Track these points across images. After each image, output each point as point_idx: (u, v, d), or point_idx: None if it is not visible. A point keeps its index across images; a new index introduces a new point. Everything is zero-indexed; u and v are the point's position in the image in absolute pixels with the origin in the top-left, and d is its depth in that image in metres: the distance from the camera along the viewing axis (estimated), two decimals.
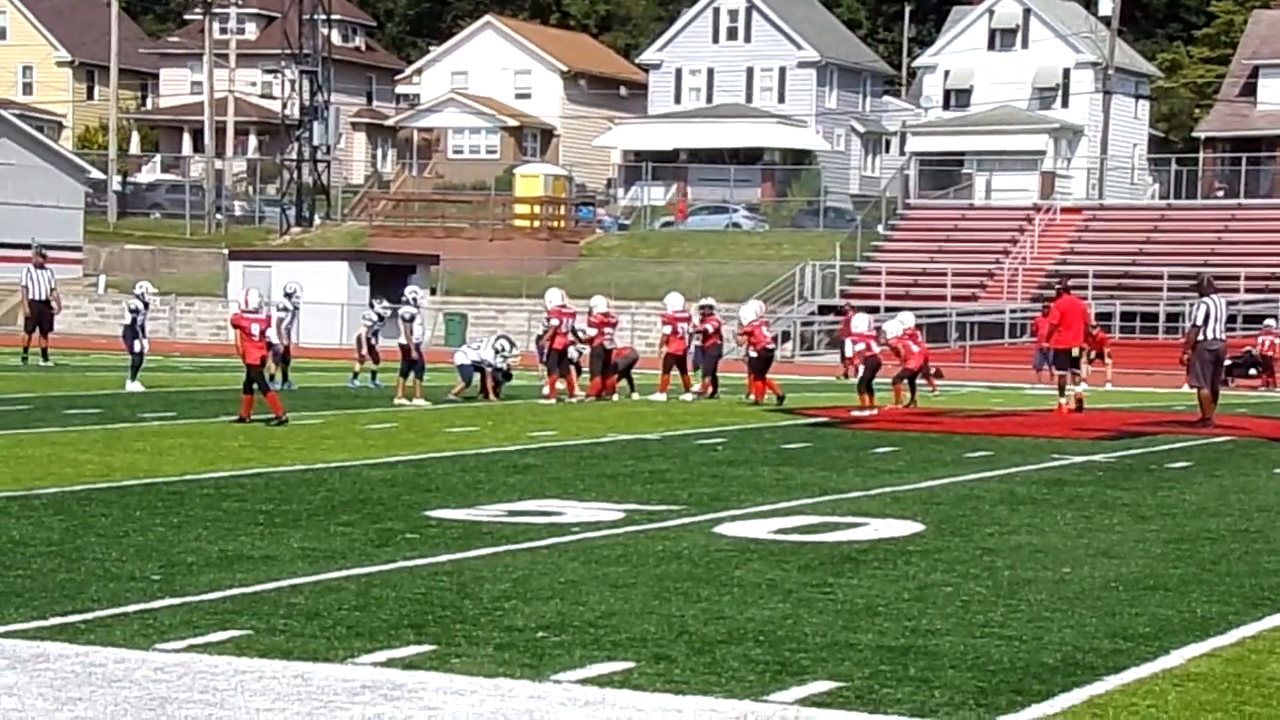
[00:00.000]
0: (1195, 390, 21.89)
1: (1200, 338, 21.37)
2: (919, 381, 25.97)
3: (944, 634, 8.00)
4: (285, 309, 25.92)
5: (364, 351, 27.06)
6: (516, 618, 8.13)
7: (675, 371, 25.89)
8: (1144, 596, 9.12)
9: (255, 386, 18.99)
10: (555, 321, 24.37)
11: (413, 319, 23.38)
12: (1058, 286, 26.10)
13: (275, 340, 23.62)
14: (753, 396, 24.71)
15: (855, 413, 22.51)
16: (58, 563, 9.39)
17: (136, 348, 24.66)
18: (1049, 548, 10.82)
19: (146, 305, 25.25)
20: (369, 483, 13.58)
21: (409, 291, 24.51)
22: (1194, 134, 68.49)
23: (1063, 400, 23.76)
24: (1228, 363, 27.17)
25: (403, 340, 23.25)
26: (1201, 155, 64.48)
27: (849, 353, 26.69)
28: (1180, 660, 7.59)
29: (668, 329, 26.07)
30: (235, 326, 19.54)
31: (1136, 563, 10.29)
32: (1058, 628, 8.22)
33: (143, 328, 24.94)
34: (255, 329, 19.11)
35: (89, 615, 7.98)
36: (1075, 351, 24.18)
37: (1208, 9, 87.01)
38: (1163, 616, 8.56)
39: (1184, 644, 7.91)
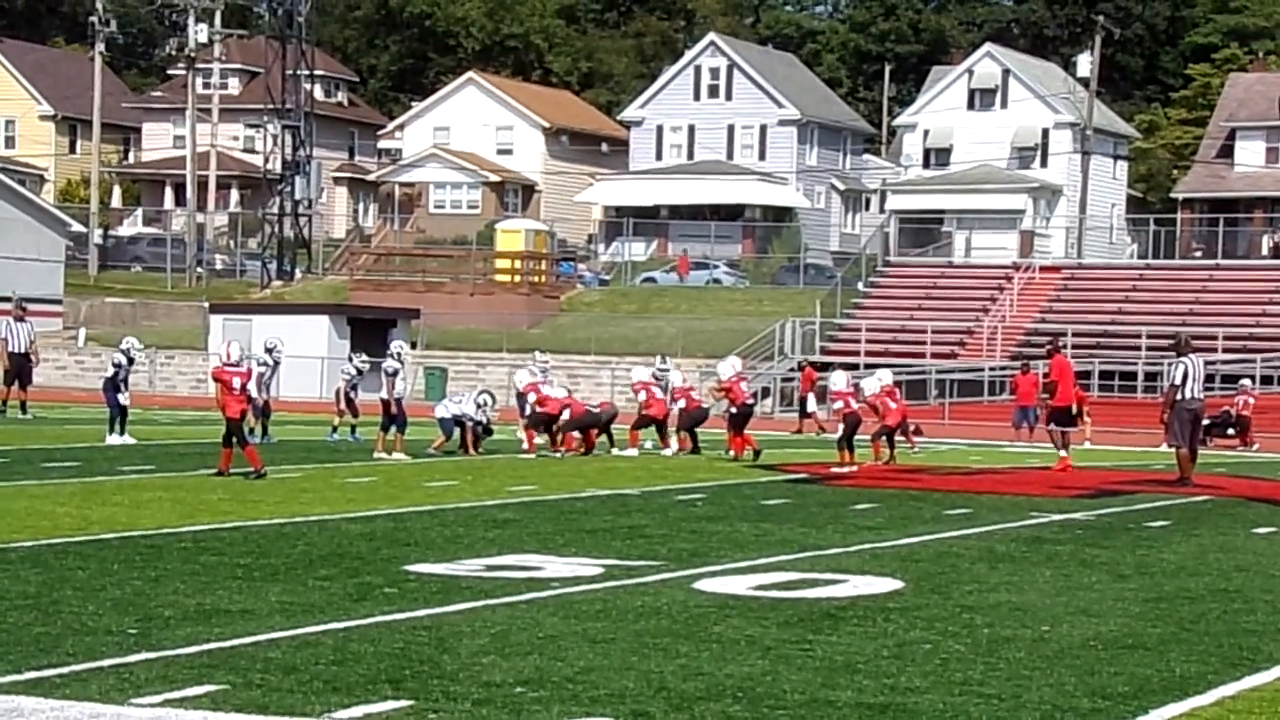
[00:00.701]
0: (1174, 449, 21.95)
1: (1179, 397, 21.45)
2: (898, 438, 25.99)
3: (923, 692, 7.99)
4: (265, 364, 25.91)
5: (343, 405, 27.04)
6: (495, 673, 8.10)
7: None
8: (1123, 655, 9.12)
9: (234, 440, 18.95)
10: (533, 396, 24.81)
11: (396, 373, 23.39)
12: (1049, 347, 26.47)
13: (255, 394, 23.59)
14: (732, 452, 24.72)
15: (835, 469, 22.53)
16: (33, 616, 9.34)
17: (120, 401, 24.55)
18: (1028, 606, 10.82)
19: (131, 360, 25.07)
20: (347, 537, 13.54)
21: (394, 346, 24.53)
22: (1172, 195, 68.93)
23: (1064, 454, 24.03)
24: (1206, 422, 27.30)
25: (384, 394, 23.24)
26: (1179, 216, 64.87)
27: (810, 408, 26.82)
28: None
29: (642, 395, 26.20)
30: (216, 380, 19.54)
31: (1115, 621, 10.29)
32: (1037, 686, 8.21)
33: (125, 382, 24.81)
34: (236, 382, 19.11)
35: (64, 669, 7.93)
36: (1074, 409, 24.71)
37: (1185, 72, 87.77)
38: (1142, 676, 8.56)
39: (1163, 703, 7.90)
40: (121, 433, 24.50)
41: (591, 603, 10.35)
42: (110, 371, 24.88)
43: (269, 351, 26.24)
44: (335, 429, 27.01)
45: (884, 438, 25.04)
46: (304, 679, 7.85)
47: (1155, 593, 11.64)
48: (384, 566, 11.76)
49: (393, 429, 22.94)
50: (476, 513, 15.84)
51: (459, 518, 15.32)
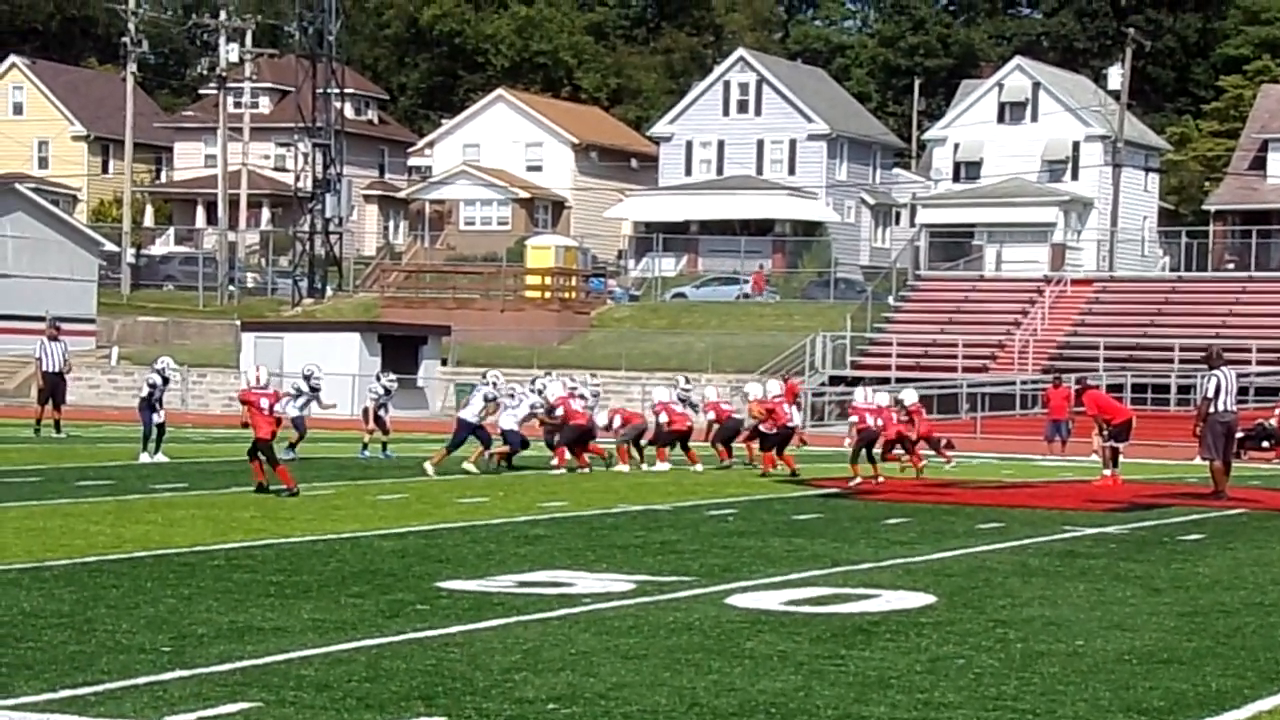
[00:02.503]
0: (1207, 463, 21.85)
1: (1211, 410, 21.36)
2: (926, 451, 26.03)
3: (957, 707, 7.96)
4: (302, 392, 25.63)
5: (371, 423, 27.09)
6: (527, 689, 8.10)
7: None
8: (1158, 670, 9.07)
9: (267, 459, 19.02)
10: (560, 410, 24.88)
11: (494, 400, 23.81)
12: (1079, 388, 27.38)
13: (296, 414, 23.92)
14: (762, 467, 24.74)
15: (853, 483, 22.55)
16: (68, 634, 9.38)
17: (155, 420, 24.57)
18: (1062, 620, 10.77)
19: (166, 380, 25.11)
20: (380, 553, 13.56)
21: (491, 375, 24.72)
22: (1204, 207, 68.67)
23: (1108, 471, 24.01)
24: (1240, 435, 27.22)
25: (480, 418, 23.59)
26: (1212, 228, 64.61)
27: (794, 421, 26.47)
28: None
29: (664, 416, 26.18)
30: (244, 403, 19.61)
31: (1150, 636, 10.24)
32: (1071, 701, 8.17)
33: (159, 401, 24.85)
34: (264, 403, 19.20)
35: (99, 687, 7.96)
36: (1134, 422, 25.11)
37: (1216, 84, 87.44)
38: (1177, 690, 8.51)
39: (1198, 718, 7.86)
40: (156, 451, 24.54)
41: (623, 619, 10.34)
42: (145, 391, 24.92)
43: (306, 379, 25.94)
44: (365, 446, 27.05)
45: (900, 446, 25.07)
46: (337, 696, 7.86)
47: (1190, 607, 11.58)
48: (416, 583, 11.77)
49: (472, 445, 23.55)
50: (508, 529, 15.85)
51: (490, 534, 15.33)
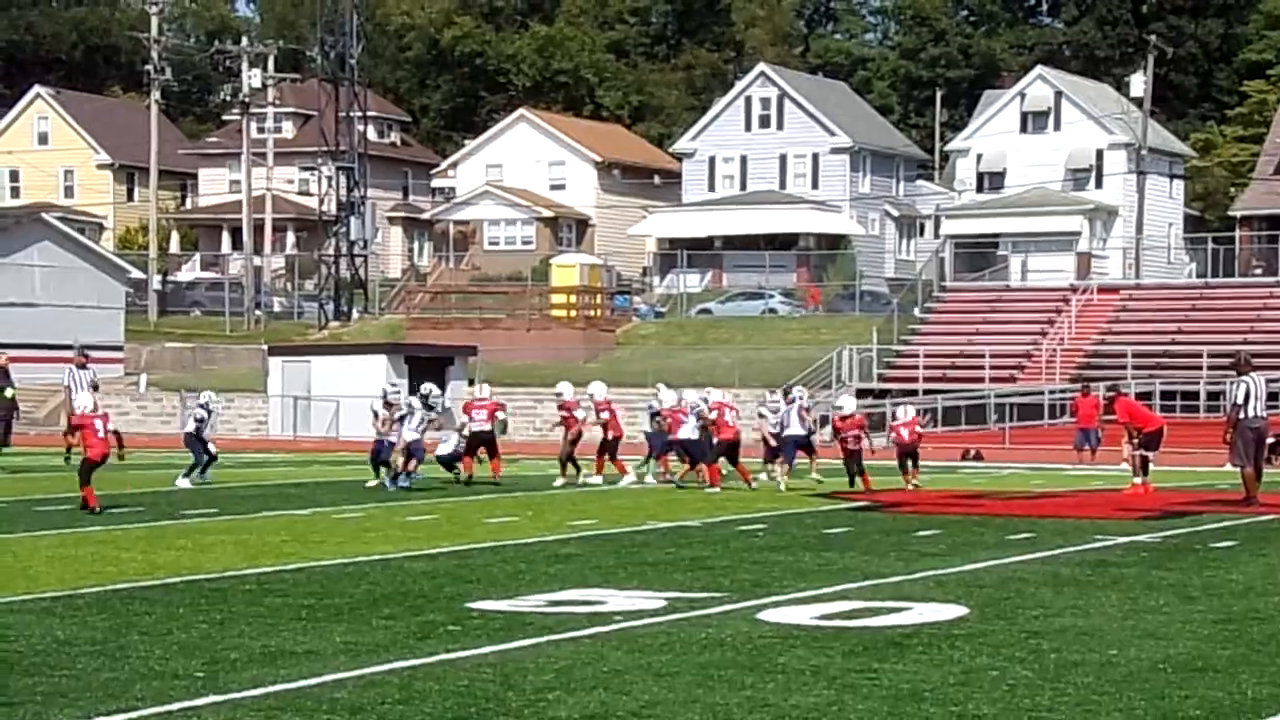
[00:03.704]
0: (1238, 469, 21.75)
1: (1241, 416, 21.27)
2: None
3: (991, 719, 7.93)
4: (415, 409, 24.97)
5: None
6: (560, 709, 8.10)
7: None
8: (1193, 678, 9.02)
9: (81, 476, 19.66)
10: (605, 414, 25.25)
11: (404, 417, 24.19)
12: (1109, 395, 27.29)
13: (415, 436, 24.10)
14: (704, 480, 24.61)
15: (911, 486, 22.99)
16: (102, 662, 9.40)
17: (210, 451, 25.37)
18: (1094, 630, 10.73)
19: (210, 412, 25.98)
20: (410, 575, 13.57)
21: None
22: (1230, 212, 68.41)
23: (1138, 480, 23.88)
24: (1271, 440, 27.09)
25: (420, 433, 23.71)
26: (1238, 233, 64.35)
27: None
28: None
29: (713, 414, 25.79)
30: (78, 427, 20.17)
31: (1184, 644, 10.19)
32: (1106, 711, 8.14)
33: (205, 431, 25.57)
34: (98, 424, 19.76)
35: (134, 714, 7.98)
36: (1166, 431, 25.04)
37: (1240, 89, 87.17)
38: (1212, 699, 8.47)
39: None
40: (203, 474, 25.11)
41: (655, 636, 10.34)
42: (193, 427, 25.63)
43: (424, 399, 25.53)
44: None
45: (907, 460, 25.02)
46: (370, 719, 7.87)
47: (1224, 614, 11.52)
48: (447, 604, 11.78)
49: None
50: (538, 548, 15.85)
51: (520, 554, 15.33)
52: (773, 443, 25.56)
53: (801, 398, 26.48)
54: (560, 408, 26.23)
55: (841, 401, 26.51)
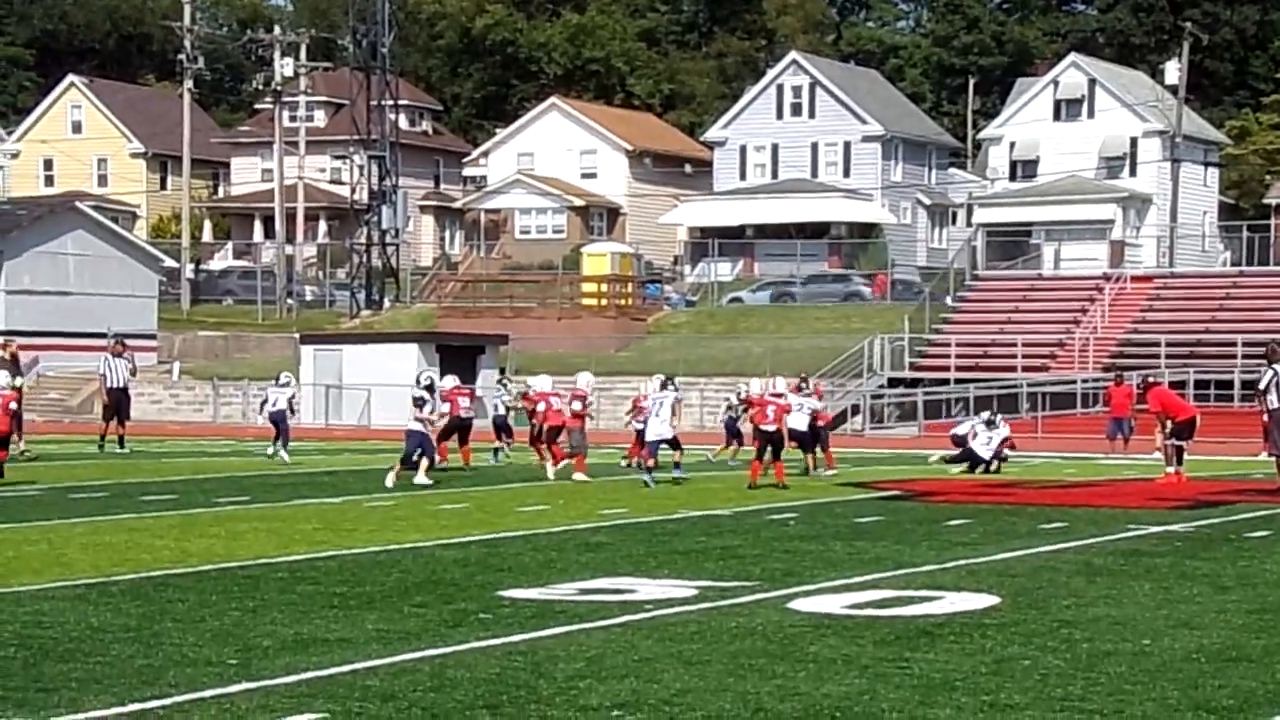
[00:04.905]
0: (1274, 458, 21.65)
1: (1272, 406, 21.19)
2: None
3: (1023, 708, 7.91)
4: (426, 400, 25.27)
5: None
6: (591, 697, 8.11)
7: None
8: (1226, 668, 8.99)
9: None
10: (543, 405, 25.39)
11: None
12: (1141, 384, 27.19)
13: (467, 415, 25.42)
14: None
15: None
16: (135, 649, 9.45)
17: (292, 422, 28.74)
18: (1127, 619, 10.69)
19: (293, 392, 29.65)
20: (442, 563, 13.60)
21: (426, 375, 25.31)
22: (1265, 201, 68.02)
23: (1171, 469, 23.79)
24: None
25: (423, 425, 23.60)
26: (1274, 221, 64.01)
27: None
28: None
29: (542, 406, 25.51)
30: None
31: (1218, 634, 10.15)
32: (1139, 701, 8.11)
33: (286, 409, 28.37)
34: (13, 406, 22.76)
35: (167, 701, 8.02)
36: (1199, 420, 24.95)
37: (1276, 76, 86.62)
38: (1246, 688, 8.43)
39: (1269, 716, 7.79)
40: (284, 448, 27.56)
41: (686, 624, 10.34)
42: (284, 404, 28.36)
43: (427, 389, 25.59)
44: (496, 451, 28.64)
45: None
46: (402, 706, 7.89)
47: (1258, 604, 11.47)
48: (478, 592, 11.81)
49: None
50: (568, 536, 15.87)
51: (551, 542, 15.35)
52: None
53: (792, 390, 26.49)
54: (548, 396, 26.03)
55: (755, 383, 26.61)
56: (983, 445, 26.57)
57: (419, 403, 23.43)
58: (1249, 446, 29.93)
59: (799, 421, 24.67)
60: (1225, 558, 14.31)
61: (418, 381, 24.87)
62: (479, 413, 28.67)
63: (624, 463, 26.62)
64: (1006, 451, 27.22)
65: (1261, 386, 21.34)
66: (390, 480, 22.22)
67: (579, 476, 23.49)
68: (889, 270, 64.97)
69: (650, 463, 22.75)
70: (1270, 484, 21.68)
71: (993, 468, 26.33)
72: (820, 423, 26.09)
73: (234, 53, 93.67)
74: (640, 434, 24.62)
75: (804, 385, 27.30)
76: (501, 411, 29.63)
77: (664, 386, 24.13)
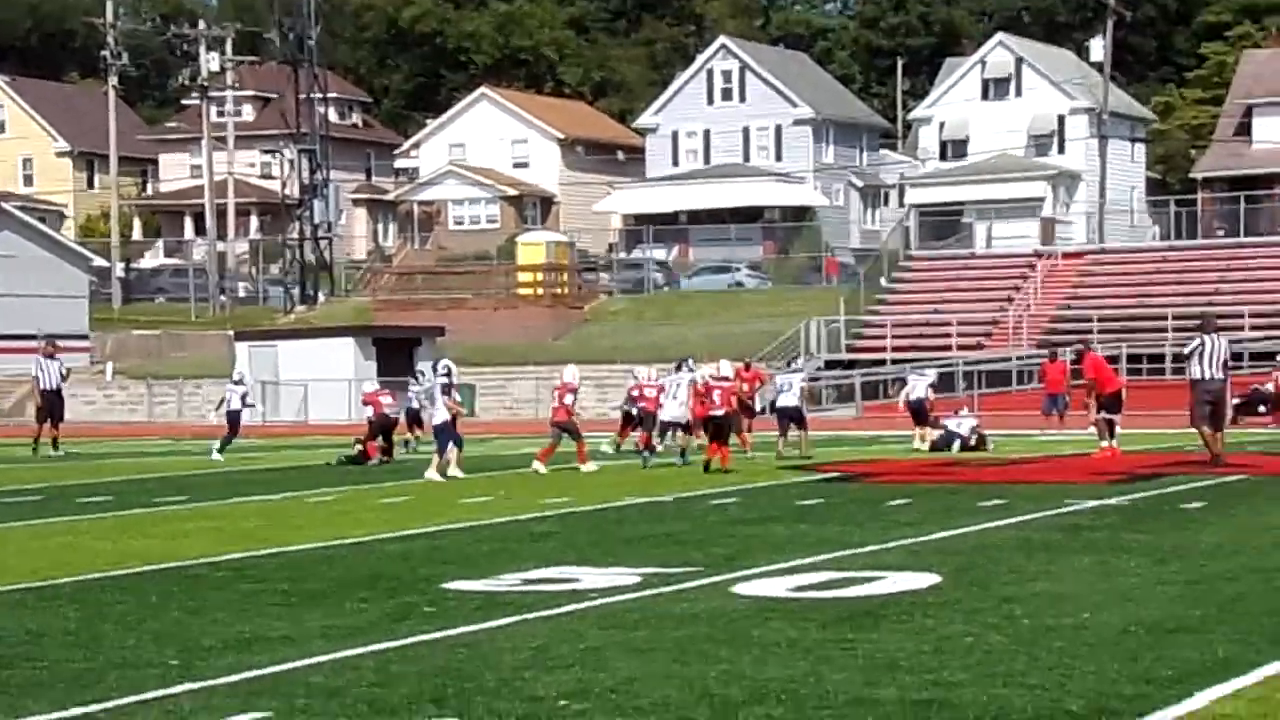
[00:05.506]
0: (1197, 430, 21.87)
1: (1195, 376, 21.40)
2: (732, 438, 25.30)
3: (966, 685, 7.97)
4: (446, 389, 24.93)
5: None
6: (538, 687, 8.11)
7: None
8: (1165, 639, 9.08)
9: None
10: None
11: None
12: (1076, 349, 27.26)
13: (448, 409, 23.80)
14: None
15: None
16: (76, 652, 9.37)
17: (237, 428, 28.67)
18: (1067, 594, 10.78)
19: (248, 389, 29.80)
20: (385, 557, 13.56)
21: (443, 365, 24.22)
22: (1191, 175, 68.70)
23: (1105, 444, 24.02)
24: (1236, 401, 27.30)
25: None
26: (1200, 195, 64.64)
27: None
28: (1204, 702, 7.56)
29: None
30: None
31: (1156, 606, 10.25)
32: (1080, 675, 8.18)
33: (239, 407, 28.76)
34: None
35: (109, 704, 7.96)
36: (1124, 394, 25.06)
37: (1199, 51, 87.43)
38: (1185, 659, 8.53)
39: (1208, 686, 7.87)
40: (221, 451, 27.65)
41: (631, 612, 10.36)
42: (237, 404, 28.64)
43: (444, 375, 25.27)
44: (407, 443, 28.59)
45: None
46: (347, 702, 7.87)
47: (1195, 575, 11.60)
48: (423, 585, 11.78)
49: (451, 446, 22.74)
50: (513, 527, 15.85)
51: (495, 533, 15.34)
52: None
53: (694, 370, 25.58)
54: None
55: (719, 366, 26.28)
56: (955, 425, 27.08)
57: (446, 389, 23.05)
58: (1181, 419, 30.23)
59: (789, 400, 24.87)
60: (1162, 530, 14.46)
61: (434, 369, 24.47)
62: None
63: (608, 448, 26.28)
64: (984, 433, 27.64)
65: (1186, 352, 21.56)
66: (437, 474, 21.87)
67: (539, 468, 23.09)
68: (824, 253, 65.21)
69: (655, 445, 23.52)
70: (1202, 456, 21.90)
71: (971, 441, 26.56)
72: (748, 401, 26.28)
73: (159, 48, 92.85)
74: (627, 415, 24.71)
75: (685, 365, 25.51)
76: (415, 405, 29.03)
77: (679, 368, 24.17)
